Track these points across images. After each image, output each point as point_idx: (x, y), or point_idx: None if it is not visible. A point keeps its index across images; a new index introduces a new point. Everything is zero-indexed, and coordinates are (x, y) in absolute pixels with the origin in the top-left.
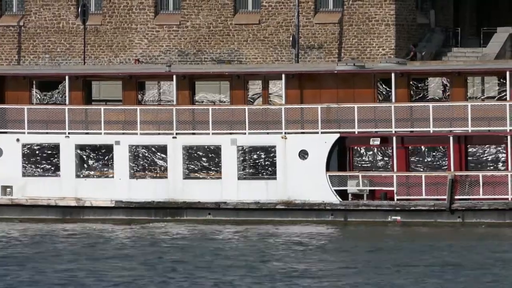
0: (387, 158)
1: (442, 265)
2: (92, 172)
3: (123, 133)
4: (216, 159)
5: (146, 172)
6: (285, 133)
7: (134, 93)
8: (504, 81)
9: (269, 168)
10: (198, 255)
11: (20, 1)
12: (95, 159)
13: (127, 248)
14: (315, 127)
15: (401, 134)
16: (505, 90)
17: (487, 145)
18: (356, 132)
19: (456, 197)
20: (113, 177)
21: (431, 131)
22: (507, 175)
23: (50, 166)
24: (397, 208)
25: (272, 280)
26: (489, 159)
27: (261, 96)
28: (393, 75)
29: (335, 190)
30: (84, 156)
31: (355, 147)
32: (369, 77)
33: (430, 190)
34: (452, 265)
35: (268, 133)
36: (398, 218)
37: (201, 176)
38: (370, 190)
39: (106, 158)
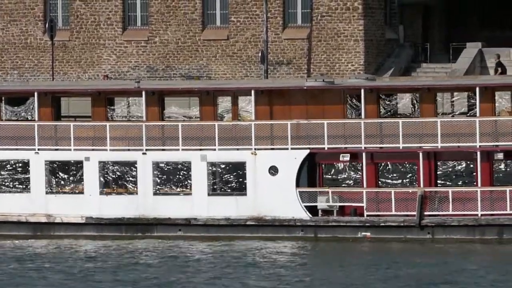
0: (356, 174)
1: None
2: (62, 188)
3: (93, 149)
4: (186, 175)
5: (116, 188)
6: (255, 149)
7: (103, 109)
8: (474, 97)
9: (239, 184)
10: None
11: None
12: (65, 175)
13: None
14: (285, 143)
15: (371, 150)
16: (475, 106)
17: (456, 161)
18: (326, 148)
19: (425, 213)
20: (83, 193)
21: (401, 147)
22: (477, 191)
23: (20, 182)
24: (367, 224)
25: None
26: (459, 175)
27: (231, 112)
28: (362, 91)
29: (305, 206)
30: (54, 172)
31: (325, 163)
32: (338, 93)
33: (400, 206)
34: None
35: (238, 149)
36: (368, 234)
37: (171, 192)
38: (340, 206)
39: (76, 174)
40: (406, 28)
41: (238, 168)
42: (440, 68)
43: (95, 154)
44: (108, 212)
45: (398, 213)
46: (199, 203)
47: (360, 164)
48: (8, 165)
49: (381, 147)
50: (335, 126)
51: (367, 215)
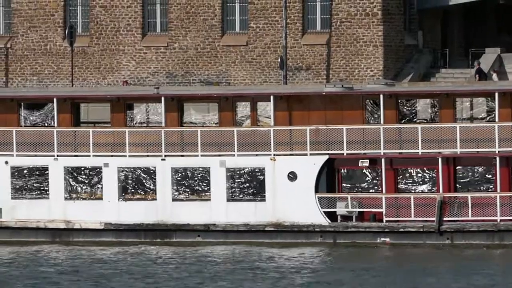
0: (376, 180)
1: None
2: (81, 194)
3: (112, 155)
4: (205, 181)
5: (135, 194)
6: (274, 154)
7: (123, 115)
8: (493, 102)
9: (258, 190)
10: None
11: (7, 23)
12: (84, 181)
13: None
14: (303, 148)
15: (390, 155)
16: (494, 111)
17: (475, 167)
18: (345, 154)
19: (444, 218)
20: (102, 199)
21: (420, 153)
22: (496, 196)
23: (39, 189)
24: (386, 230)
25: None
26: (478, 180)
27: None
28: (381, 96)
29: (324, 211)
30: (73, 178)
31: (344, 169)
32: (357, 99)
33: (419, 212)
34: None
35: (257, 155)
36: (387, 239)
37: (190, 198)
38: (359, 211)
39: (95, 180)
40: (425, 33)
41: (257, 174)
42: (459, 73)
43: (114, 160)
44: (127, 218)
45: (417, 218)
46: (218, 209)
47: (379, 170)
48: (27, 171)
49: (400, 153)
50: (354, 132)
51: (386, 221)
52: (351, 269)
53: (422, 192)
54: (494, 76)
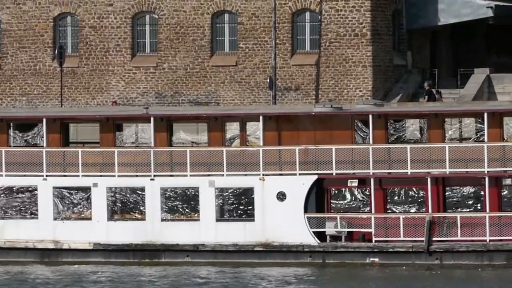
0: (365, 200)
1: None
2: (70, 214)
3: (101, 175)
4: (194, 201)
5: (124, 214)
6: (263, 174)
7: (112, 135)
8: (482, 122)
9: (247, 210)
10: None
11: None
12: (73, 201)
13: None
14: (293, 168)
15: (379, 175)
16: (483, 131)
17: (465, 187)
18: (334, 174)
19: (434, 238)
20: (91, 219)
21: (409, 173)
22: (485, 216)
23: (28, 209)
24: (375, 250)
25: None
26: (467, 201)
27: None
28: (370, 116)
29: (313, 231)
30: (62, 198)
31: (333, 189)
32: (346, 119)
33: (408, 232)
34: None
35: (246, 174)
36: (376, 259)
37: (179, 218)
38: (348, 231)
39: (84, 200)
40: (414, 54)
41: (246, 194)
42: (448, 93)
43: (103, 180)
44: (116, 238)
45: (407, 238)
46: (207, 229)
47: (368, 190)
48: (16, 191)
49: (389, 173)
50: (343, 152)
51: (376, 241)
52: None
53: (411, 212)
54: (438, 96)
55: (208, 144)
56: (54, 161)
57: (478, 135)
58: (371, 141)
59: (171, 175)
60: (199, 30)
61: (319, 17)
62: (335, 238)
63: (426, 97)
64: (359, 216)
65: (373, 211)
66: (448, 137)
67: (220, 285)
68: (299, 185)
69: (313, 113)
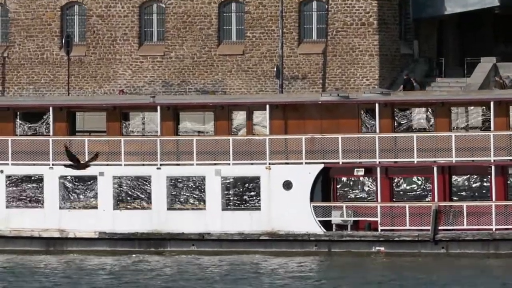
0: (371, 189)
1: None
2: (76, 203)
3: (107, 164)
4: (200, 190)
5: (130, 203)
6: (269, 163)
7: (118, 124)
8: (488, 111)
9: (253, 199)
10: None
11: (4, 33)
12: (79, 190)
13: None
14: (299, 157)
15: (385, 164)
16: (489, 120)
17: (471, 175)
18: (340, 163)
19: (440, 227)
20: (97, 208)
21: (415, 162)
22: (491, 205)
23: (33, 198)
24: (381, 239)
25: None
26: (473, 189)
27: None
28: (377, 105)
29: (319, 220)
30: (68, 187)
31: (339, 178)
32: (353, 108)
33: (414, 221)
34: None
35: (252, 163)
36: (382, 248)
37: (185, 207)
38: (354, 220)
39: (90, 189)
40: (421, 43)
41: (252, 183)
42: (454, 82)
43: (110, 169)
44: (122, 227)
45: (413, 227)
46: (212, 218)
47: (375, 179)
48: (23, 180)
49: (395, 162)
50: (349, 141)
51: (381, 230)
52: (346, 278)
53: (417, 200)
54: (416, 85)
55: (215, 133)
56: (61, 149)
57: (485, 124)
58: (377, 130)
59: (178, 164)
60: (206, 19)
61: (326, 6)
62: (341, 227)
63: (402, 86)
64: (365, 205)
65: (379, 199)
66: (454, 126)
67: (225, 274)
68: (305, 174)
69: (320, 102)
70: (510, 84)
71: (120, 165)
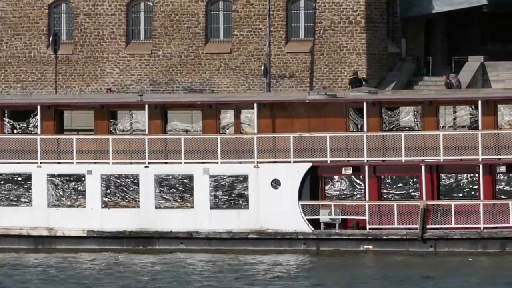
0: (359, 187)
1: None
2: (64, 202)
3: (95, 163)
4: (188, 188)
5: (118, 201)
6: (257, 162)
7: (106, 123)
8: (476, 110)
9: (242, 197)
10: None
11: None
12: (67, 189)
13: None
14: (287, 156)
15: (373, 163)
16: (477, 119)
17: (459, 174)
18: (328, 161)
19: (428, 226)
20: (85, 206)
21: (403, 160)
22: (479, 204)
23: (22, 196)
24: (369, 237)
25: None
26: (461, 188)
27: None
28: (364, 104)
29: (307, 219)
30: (56, 186)
31: (327, 176)
32: (340, 106)
33: (402, 219)
34: None
35: (240, 162)
36: (371, 247)
37: (173, 206)
38: (342, 219)
39: (78, 188)
40: (408, 41)
41: (241, 181)
42: (442, 81)
43: (98, 168)
44: (110, 226)
45: (401, 226)
46: (201, 216)
47: (362, 177)
48: (10, 179)
49: (383, 160)
50: (337, 139)
51: (370, 228)
52: (334, 277)
53: (405, 199)
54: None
55: (203, 132)
56: (49, 148)
57: (472, 122)
58: (365, 129)
59: (166, 163)
60: (193, 17)
61: (314, 4)
62: (329, 225)
63: (349, 86)
64: (353, 203)
65: (367, 198)
66: (442, 125)
67: (214, 273)
68: (293, 172)
69: (307, 101)
70: (456, 84)
71: (108, 163)
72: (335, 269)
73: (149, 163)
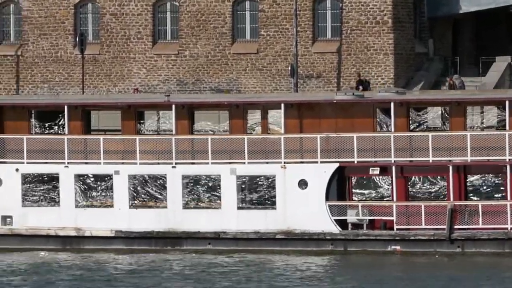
0: (386, 188)
1: None
2: (92, 202)
3: (123, 163)
4: (216, 189)
5: (146, 201)
6: (284, 162)
7: (133, 123)
8: (503, 111)
9: (269, 198)
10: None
11: (17, 31)
12: (95, 189)
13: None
14: (314, 156)
15: (401, 163)
16: (504, 119)
17: (486, 175)
18: (356, 162)
19: (455, 226)
20: (112, 206)
21: (431, 161)
22: (507, 204)
23: (49, 196)
24: (396, 238)
25: None
26: (488, 189)
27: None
28: (392, 104)
29: (334, 219)
30: (84, 186)
31: (355, 177)
32: (368, 107)
33: (429, 220)
34: None
35: (267, 162)
36: (398, 247)
37: (200, 206)
38: (369, 219)
39: (105, 188)
40: (436, 41)
41: (268, 182)
42: (469, 81)
43: (125, 168)
44: (138, 226)
45: (428, 226)
46: (228, 217)
47: (390, 178)
48: (38, 179)
49: (411, 161)
50: (364, 140)
51: (397, 229)
52: (362, 278)
53: (433, 200)
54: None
55: (230, 132)
56: (76, 148)
57: (500, 123)
58: (392, 129)
59: (193, 163)
60: (220, 17)
61: (340, 4)
62: (357, 226)
63: (361, 87)
64: (381, 204)
65: (394, 199)
66: (469, 125)
67: (241, 273)
68: (320, 173)
69: (335, 101)
70: (459, 85)
71: (136, 163)
72: (362, 269)
73: (176, 163)
